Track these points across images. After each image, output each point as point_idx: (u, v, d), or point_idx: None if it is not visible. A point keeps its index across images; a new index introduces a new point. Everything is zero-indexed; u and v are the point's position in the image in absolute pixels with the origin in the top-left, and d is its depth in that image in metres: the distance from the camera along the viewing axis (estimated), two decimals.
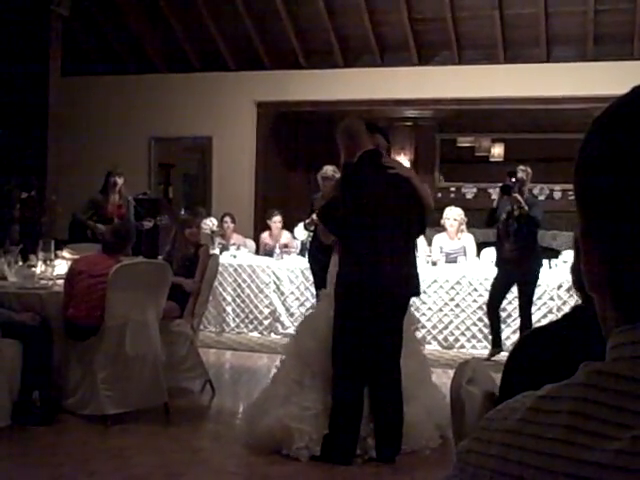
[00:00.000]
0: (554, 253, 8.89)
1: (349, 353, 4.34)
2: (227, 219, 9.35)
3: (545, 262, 7.83)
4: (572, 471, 0.59)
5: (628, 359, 0.62)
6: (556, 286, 7.60)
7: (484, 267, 8.09)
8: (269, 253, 8.93)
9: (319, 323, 4.54)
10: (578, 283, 1.62)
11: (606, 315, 0.67)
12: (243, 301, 8.53)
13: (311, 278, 8.01)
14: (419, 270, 4.70)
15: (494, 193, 11.59)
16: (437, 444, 4.51)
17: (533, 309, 7.54)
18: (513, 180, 7.09)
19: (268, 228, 9.37)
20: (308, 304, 8.17)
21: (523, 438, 0.63)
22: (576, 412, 0.61)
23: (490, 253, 8.89)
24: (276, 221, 9.25)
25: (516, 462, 0.62)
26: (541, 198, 11.37)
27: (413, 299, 4.96)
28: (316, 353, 4.50)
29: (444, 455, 4.33)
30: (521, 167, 7.36)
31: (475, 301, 7.81)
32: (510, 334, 7.47)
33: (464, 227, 8.27)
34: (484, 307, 7.76)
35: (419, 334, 5.58)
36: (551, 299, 7.54)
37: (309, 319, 4.90)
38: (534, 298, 7.27)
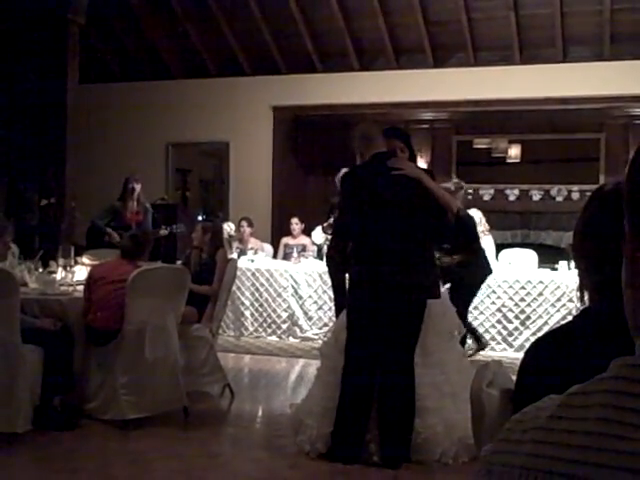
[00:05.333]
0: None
1: (358, 354, 4.34)
2: (244, 223, 9.37)
3: (564, 263, 7.81)
4: (604, 461, 0.59)
5: None
6: (576, 288, 7.56)
7: (502, 269, 8.05)
8: (288, 255, 8.95)
9: (343, 324, 4.54)
10: (581, 294, 1.62)
11: (637, 312, 0.68)
12: (261, 305, 8.54)
13: (329, 282, 8.01)
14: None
15: (511, 194, 11.57)
16: (461, 461, 4.31)
17: (552, 310, 7.51)
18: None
19: (288, 232, 9.40)
20: (326, 307, 8.17)
21: (554, 433, 0.63)
22: (607, 404, 0.62)
23: (508, 255, 8.87)
24: (293, 223, 9.29)
25: (547, 457, 0.62)
26: (559, 199, 11.32)
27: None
28: (333, 351, 4.55)
29: (466, 470, 4.19)
30: (454, 180, 7.56)
31: (494, 303, 7.78)
32: (529, 336, 7.43)
33: (484, 229, 8.20)
34: (503, 309, 7.73)
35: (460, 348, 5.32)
36: (570, 301, 7.49)
37: (338, 322, 4.94)
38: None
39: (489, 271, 7.21)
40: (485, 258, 7.20)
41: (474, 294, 7.20)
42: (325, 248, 8.02)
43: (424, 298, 4.39)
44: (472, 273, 6.92)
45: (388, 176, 4.34)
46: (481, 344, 7.37)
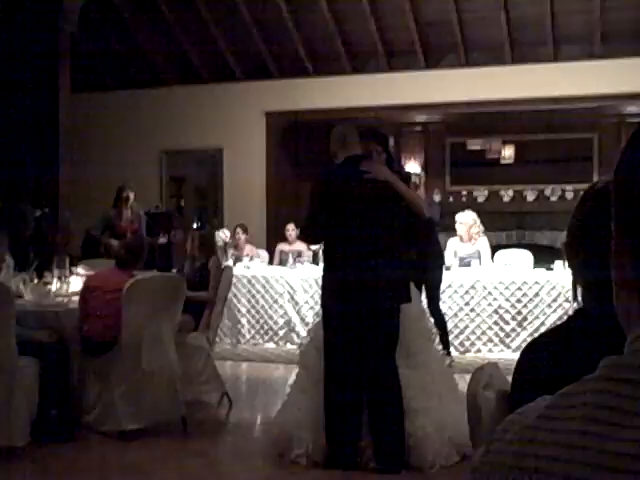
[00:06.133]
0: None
1: (337, 360, 4.33)
2: (239, 230, 9.37)
3: (559, 263, 7.82)
4: (589, 460, 0.59)
5: None
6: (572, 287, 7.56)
7: (498, 270, 8.07)
8: (284, 261, 8.95)
9: (321, 332, 4.53)
10: (574, 293, 1.64)
11: (631, 310, 0.69)
12: (258, 312, 8.54)
13: None
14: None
15: (506, 195, 11.59)
16: (452, 461, 4.33)
17: (549, 311, 7.53)
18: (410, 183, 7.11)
19: (284, 238, 9.40)
20: None
21: (540, 432, 0.64)
22: (594, 404, 0.62)
23: (503, 255, 8.88)
24: (289, 229, 9.30)
25: (533, 456, 0.63)
26: (553, 199, 11.34)
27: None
28: (316, 361, 4.51)
29: (459, 470, 4.19)
30: (416, 172, 7.58)
31: (490, 305, 7.78)
32: (527, 337, 7.43)
33: (479, 230, 8.22)
34: (499, 311, 7.74)
35: (438, 347, 5.38)
36: (567, 301, 7.50)
37: (314, 328, 4.91)
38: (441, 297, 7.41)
39: (443, 261, 7.35)
40: (439, 247, 7.33)
41: (439, 288, 7.26)
42: (321, 253, 8.03)
43: (396, 304, 4.37)
44: (431, 268, 7.01)
45: (359, 179, 4.34)
46: (447, 347, 7.34)
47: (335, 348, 4.34)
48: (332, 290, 4.37)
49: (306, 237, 4.68)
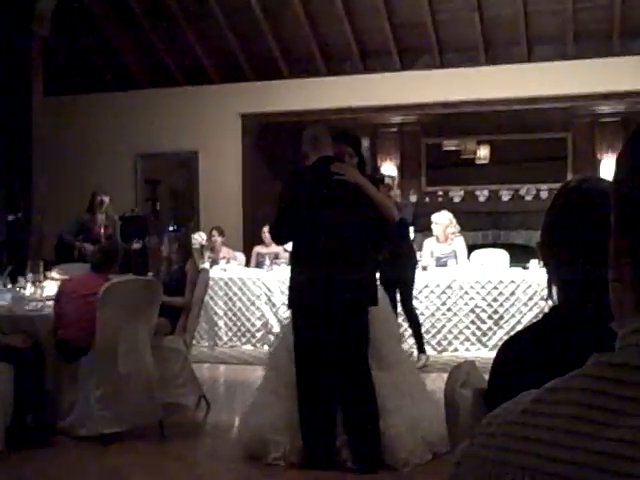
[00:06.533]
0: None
1: (306, 362, 4.33)
2: (215, 233, 9.34)
3: (534, 262, 7.88)
4: (575, 459, 0.59)
5: (635, 346, 0.63)
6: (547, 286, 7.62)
7: (474, 270, 8.11)
8: (261, 263, 8.93)
9: (292, 335, 4.52)
10: (549, 291, 1.65)
11: (624, 303, 0.69)
12: (235, 314, 8.52)
13: None
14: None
15: (481, 195, 11.64)
16: (425, 460, 4.36)
17: (525, 309, 7.59)
18: (382, 186, 7.15)
19: (260, 241, 9.38)
20: None
21: (526, 428, 0.64)
22: (581, 403, 0.62)
23: (479, 255, 8.93)
24: (265, 231, 9.27)
25: (518, 452, 0.63)
26: (528, 198, 11.41)
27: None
28: (289, 363, 4.49)
29: (434, 469, 4.22)
30: (389, 173, 7.68)
31: (467, 304, 7.82)
32: (503, 335, 7.47)
33: (455, 231, 8.26)
34: (476, 310, 7.79)
35: (406, 346, 5.48)
36: (542, 299, 7.55)
37: (284, 330, 4.90)
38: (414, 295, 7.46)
39: (415, 260, 7.42)
40: (411, 247, 7.39)
41: (412, 287, 7.30)
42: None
43: (363, 305, 4.37)
44: (404, 268, 7.05)
45: (330, 180, 4.34)
46: (421, 346, 7.37)
47: (305, 349, 4.35)
48: (299, 290, 4.38)
49: (274, 237, 4.69)
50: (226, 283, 8.53)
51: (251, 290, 8.46)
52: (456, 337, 7.84)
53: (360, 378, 4.32)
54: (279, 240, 4.83)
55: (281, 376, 4.59)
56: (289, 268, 4.59)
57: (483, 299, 7.79)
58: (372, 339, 4.42)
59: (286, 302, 8.09)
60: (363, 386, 4.32)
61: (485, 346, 7.73)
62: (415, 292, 7.57)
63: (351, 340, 4.34)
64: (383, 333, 4.57)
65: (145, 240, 8.43)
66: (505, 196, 11.57)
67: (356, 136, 4.96)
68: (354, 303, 4.35)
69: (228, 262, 8.98)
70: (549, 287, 1.65)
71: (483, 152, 11.83)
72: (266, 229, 9.27)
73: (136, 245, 8.31)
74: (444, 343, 7.85)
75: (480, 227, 11.44)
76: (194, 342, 6.84)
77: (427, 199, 11.63)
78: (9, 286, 5.84)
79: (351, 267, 4.29)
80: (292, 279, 4.48)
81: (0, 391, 4.67)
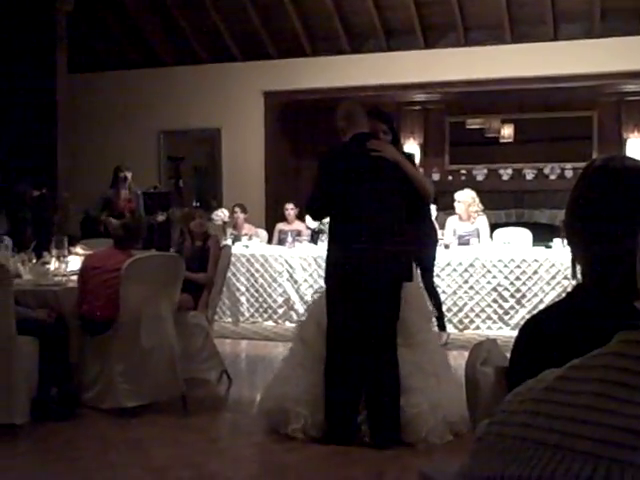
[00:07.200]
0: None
1: (340, 336, 4.33)
2: (237, 209, 9.36)
3: (558, 241, 7.83)
4: (599, 436, 0.59)
5: None
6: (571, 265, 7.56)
7: (497, 248, 8.07)
8: (283, 240, 8.96)
9: (323, 308, 4.52)
10: (573, 270, 1.64)
11: None
12: (257, 290, 8.54)
13: (324, 266, 8.00)
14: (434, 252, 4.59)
15: (505, 174, 11.56)
16: (446, 440, 4.35)
17: (547, 288, 7.56)
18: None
19: (283, 218, 9.40)
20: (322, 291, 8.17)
21: (548, 405, 0.63)
22: (605, 380, 0.62)
23: (502, 234, 8.89)
24: (288, 208, 9.29)
25: (539, 428, 0.62)
26: (552, 178, 11.31)
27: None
28: (317, 337, 4.52)
29: (453, 448, 4.22)
30: (409, 151, 7.68)
31: (489, 282, 7.79)
32: (525, 314, 7.44)
33: (478, 209, 8.21)
34: (498, 288, 7.75)
35: (434, 328, 5.44)
36: (565, 278, 7.50)
37: (314, 304, 4.90)
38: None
39: (436, 238, 7.37)
40: (432, 225, 7.33)
41: (433, 265, 7.27)
42: (322, 232, 8.03)
43: (399, 281, 4.38)
44: (425, 245, 7.02)
45: (366, 157, 4.33)
46: (442, 324, 7.35)
47: (338, 323, 4.34)
48: (337, 266, 4.37)
49: (311, 212, 4.70)
50: (248, 260, 8.55)
51: (273, 267, 8.47)
52: (478, 315, 7.82)
53: (386, 354, 4.32)
54: (316, 216, 4.84)
55: (308, 349, 4.60)
56: (326, 243, 4.57)
57: (505, 278, 7.75)
58: (401, 315, 4.41)
59: (307, 279, 8.24)
60: (388, 362, 4.31)
61: (507, 325, 7.71)
62: (437, 270, 7.55)
63: (383, 315, 4.34)
64: (414, 311, 4.56)
65: (169, 212, 8.47)
66: (529, 175, 11.48)
67: (389, 114, 4.93)
68: (391, 279, 4.35)
69: (250, 239, 9.00)
70: (573, 266, 1.64)
71: (507, 131, 11.73)
72: (289, 206, 9.30)
73: (161, 217, 8.35)
74: (466, 321, 7.84)
75: (503, 206, 11.38)
76: (216, 318, 6.88)
77: (450, 177, 11.57)
78: (34, 261, 5.89)
79: (389, 243, 4.30)
80: (329, 254, 4.46)
81: (25, 364, 4.72)
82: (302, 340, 4.71)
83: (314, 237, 8.85)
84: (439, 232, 7.83)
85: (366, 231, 4.28)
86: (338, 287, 4.37)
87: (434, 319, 7.40)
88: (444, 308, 7.63)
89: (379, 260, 4.27)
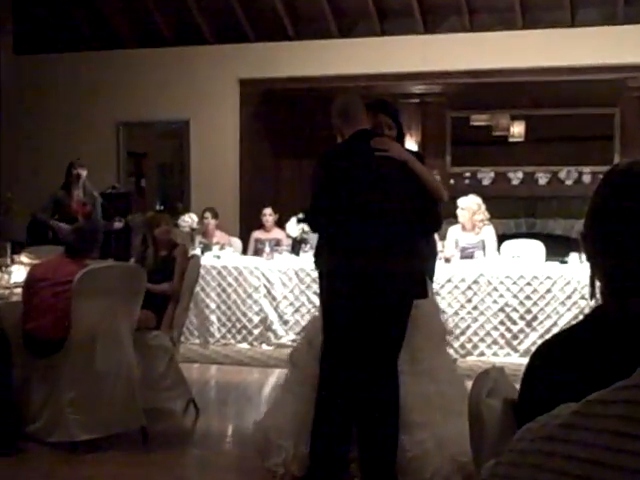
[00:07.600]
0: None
1: (336, 358, 4.31)
2: (208, 215, 9.35)
3: (575, 256, 7.88)
4: (615, 479, 0.59)
5: None
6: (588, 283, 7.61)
7: (505, 263, 8.10)
8: (260, 250, 8.96)
9: (317, 327, 4.51)
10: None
11: None
12: (229, 308, 8.53)
13: (307, 280, 8.04)
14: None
15: (514, 178, 11.63)
16: None
17: (562, 309, 7.60)
18: None
19: (260, 225, 9.41)
20: (304, 310, 8.18)
21: (564, 445, 0.64)
22: (628, 417, 0.62)
23: (511, 246, 8.92)
24: (266, 214, 9.29)
25: (553, 471, 0.63)
26: (568, 183, 11.40)
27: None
28: (308, 358, 4.52)
29: None
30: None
31: (495, 302, 7.82)
32: (536, 339, 7.48)
33: (483, 218, 8.24)
34: (506, 309, 7.78)
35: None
36: (582, 298, 7.55)
37: (310, 323, 4.92)
38: None
39: (436, 251, 7.39)
40: (433, 237, 7.37)
41: (432, 279, 7.30)
42: (305, 242, 8.04)
43: (410, 298, 4.33)
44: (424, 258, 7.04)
45: (371, 158, 4.29)
46: None
47: (335, 346, 4.31)
48: (338, 283, 4.33)
49: (311, 225, 4.71)
50: (220, 272, 8.54)
51: (248, 281, 8.47)
52: (482, 339, 7.85)
53: (386, 383, 4.29)
54: (317, 229, 4.80)
55: (298, 372, 4.61)
56: (320, 257, 4.52)
57: (514, 297, 7.79)
58: (408, 338, 4.35)
59: (287, 295, 8.24)
60: (386, 394, 4.28)
61: (516, 351, 7.73)
62: (436, 287, 7.57)
63: (388, 337, 4.30)
64: (422, 334, 4.51)
65: (128, 219, 8.45)
66: (542, 179, 11.56)
67: (393, 104, 4.89)
68: (401, 295, 4.30)
69: (222, 248, 8.99)
70: (592, 284, 1.64)
71: (517, 129, 11.80)
72: (267, 211, 9.32)
73: (118, 224, 8.33)
74: (468, 346, 7.86)
75: (513, 214, 11.44)
76: (182, 339, 6.87)
77: (452, 181, 11.62)
78: None
79: (398, 257, 4.25)
80: (329, 268, 4.42)
81: None
82: (293, 363, 4.72)
83: (295, 247, 8.86)
84: (439, 244, 7.86)
85: (372, 244, 4.24)
86: (338, 304, 4.36)
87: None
88: None
89: (386, 278, 4.23)
